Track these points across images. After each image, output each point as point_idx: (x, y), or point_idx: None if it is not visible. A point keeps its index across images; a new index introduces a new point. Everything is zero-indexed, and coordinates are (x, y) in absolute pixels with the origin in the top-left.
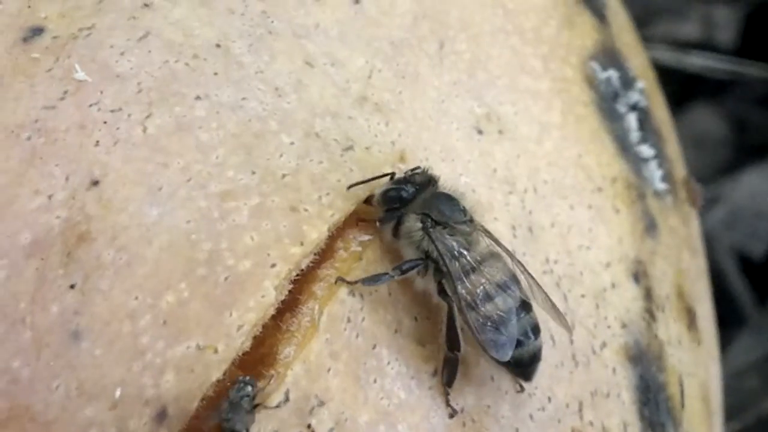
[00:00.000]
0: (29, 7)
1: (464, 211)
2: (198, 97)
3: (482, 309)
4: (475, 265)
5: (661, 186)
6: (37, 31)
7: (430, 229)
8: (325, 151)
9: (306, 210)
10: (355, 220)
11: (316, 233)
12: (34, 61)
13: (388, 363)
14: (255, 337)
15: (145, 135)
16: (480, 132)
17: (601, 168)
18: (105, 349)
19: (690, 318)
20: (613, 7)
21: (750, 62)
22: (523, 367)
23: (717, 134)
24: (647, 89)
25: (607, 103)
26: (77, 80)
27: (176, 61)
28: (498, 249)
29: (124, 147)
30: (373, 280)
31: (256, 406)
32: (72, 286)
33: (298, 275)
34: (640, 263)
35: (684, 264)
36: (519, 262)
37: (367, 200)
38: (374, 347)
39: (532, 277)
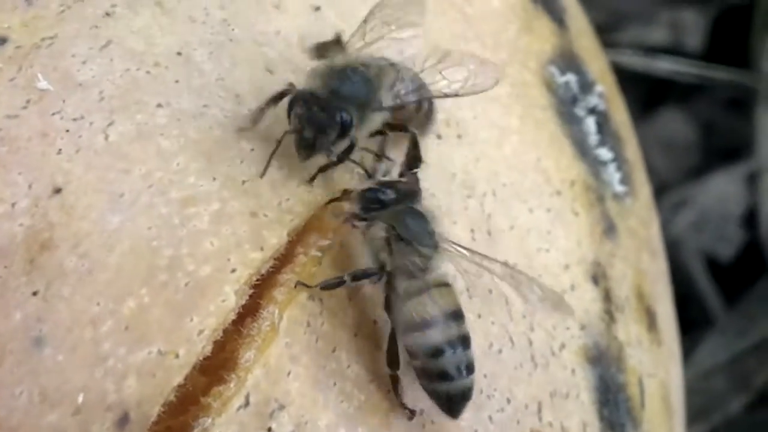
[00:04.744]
0: None
1: (431, 234)
2: (159, 105)
3: (419, 334)
4: (424, 290)
5: (620, 188)
6: (0, 41)
7: (392, 243)
8: (286, 158)
9: (266, 215)
10: (315, 224)
11: (276, 238)
12: None
13: (348, 366)
14: (216, 342)
15: (107, 142)
16: (439, 137)
17: (559, 171)
18: (67, 355)
19: (650, 319)
20: (572, 12)
21: (717, 66)
22: (452, 403)
23: (685, 138)
24: (606, 93)
25: (565, 107)
26: (40, 89)
27: (138, 69)
28: (449, 280)
29: (87, 155)
30: (328, 284)
31: None
32: (35, 293)
33: (258, 280)
34: (599, 265)
35: (643, 265)
36: (506, 264)
37: (344, 193)
38: (334, 350)
39: (521, 272)
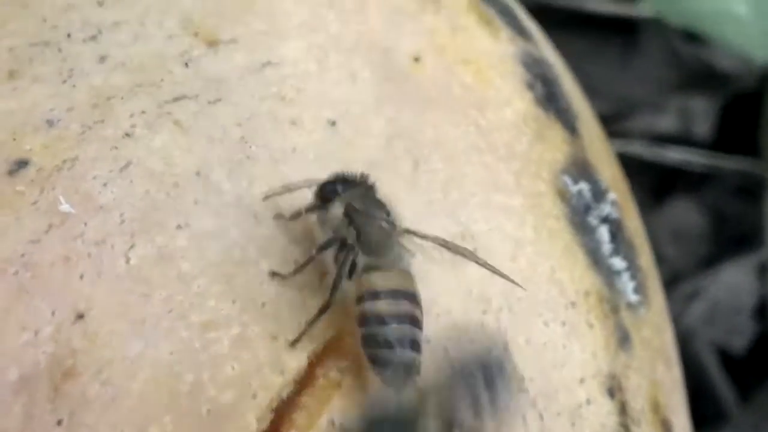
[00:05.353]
0: (14, 139)
1: (389, 213)
2: (179, 227)
3: (370, 303)
4: (382, 267)
5: (633, 298)
6: (22, 164)
7: (352, 214)
8: (303, 276)
9: (286, 339)
10: (334, 346)
11: (296, 361)
12: (19, 194)
13: None
14: None
15: (128, 266)
16: None
17: (574, 282)
18: None
19: (666, 430)
20: (584, 118)
21: (726, 156)
22: (393, 373)
23: (696, 227)
24: (619, 200)
25: (579, 217)
26: (62, 212)
27: (157, 190)
28: (406, 262)
29: (108, 279)
30: (299, 267)
31: None
32: (59, 422)
33: (278, 404)
34: (615, 377)
35: (658, 375)
36: (460, 246)
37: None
38: None
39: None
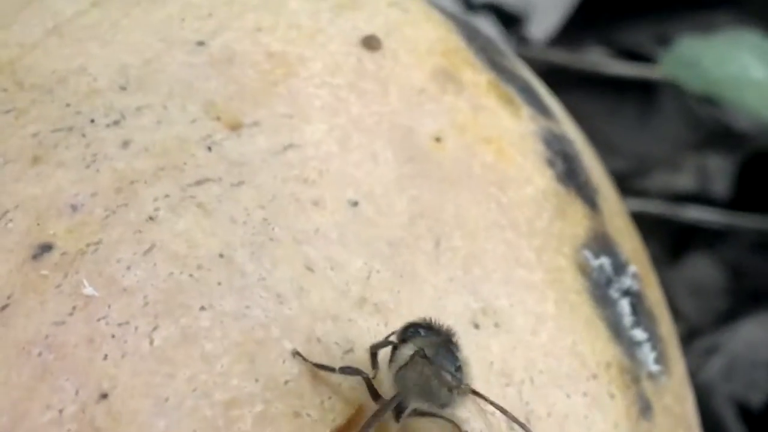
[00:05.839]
0: (38, 224)
1: (459, 368)
2: (202, 308)
3: None
4: (433, 416)
5: (655, 368)
6: (46, 248)
7: (416, 358)
8: (327, 355)
9: (309, 415)
10: (358, 422)
11: None
12: (44, 277)
13: None
14: None
15: (152, 347)
16: (477, 326)
17: (595, 355)
18: None
19: None
20: (604, 192)
21: (743, 214)
22: None
23: (713, 283)
24: (639, 271)
25: (600, 290)
26: (85, 295)
27: (181, 272)
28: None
29: (132, 360)
30: (318, 364)
31: None
32: None
33: None
34: None
35: None
36: (519, 420)
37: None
38: None
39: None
